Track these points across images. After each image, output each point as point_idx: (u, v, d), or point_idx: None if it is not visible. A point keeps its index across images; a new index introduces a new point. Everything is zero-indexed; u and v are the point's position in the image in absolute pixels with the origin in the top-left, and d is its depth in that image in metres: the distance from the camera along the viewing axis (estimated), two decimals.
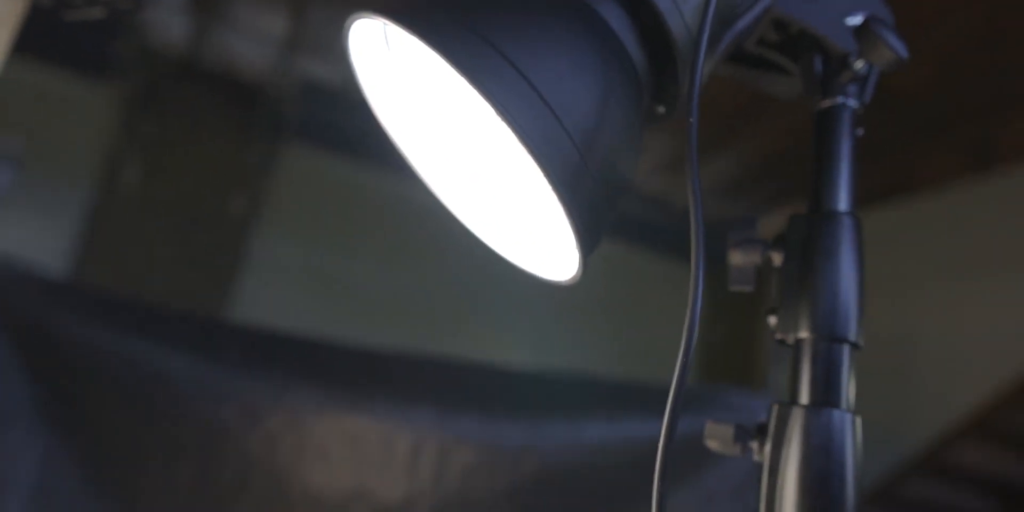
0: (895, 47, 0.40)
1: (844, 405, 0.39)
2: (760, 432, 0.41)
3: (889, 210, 2.32)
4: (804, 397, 0.40)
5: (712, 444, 0.41)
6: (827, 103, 0.44)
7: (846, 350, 0.39)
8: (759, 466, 0.40)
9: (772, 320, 0.42)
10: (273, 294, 1.49)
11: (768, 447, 0.40)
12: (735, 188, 2.29)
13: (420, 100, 0.46)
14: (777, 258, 0.42)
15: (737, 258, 0.43)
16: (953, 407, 1.95)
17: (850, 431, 0.39)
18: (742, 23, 0.41)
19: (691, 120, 0.35)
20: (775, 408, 0.40)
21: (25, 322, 1.14)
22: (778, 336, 0.41)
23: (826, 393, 0.39)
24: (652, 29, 0.39)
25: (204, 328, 1.31)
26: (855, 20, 0.44)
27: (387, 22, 0.35)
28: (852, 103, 0.43)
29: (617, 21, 0.38)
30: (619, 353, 1.62)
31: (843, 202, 0.41)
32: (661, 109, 0.42)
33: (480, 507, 1.22)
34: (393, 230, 1.55)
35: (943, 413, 1.98)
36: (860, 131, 0.43)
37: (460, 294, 1.52)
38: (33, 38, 1.26)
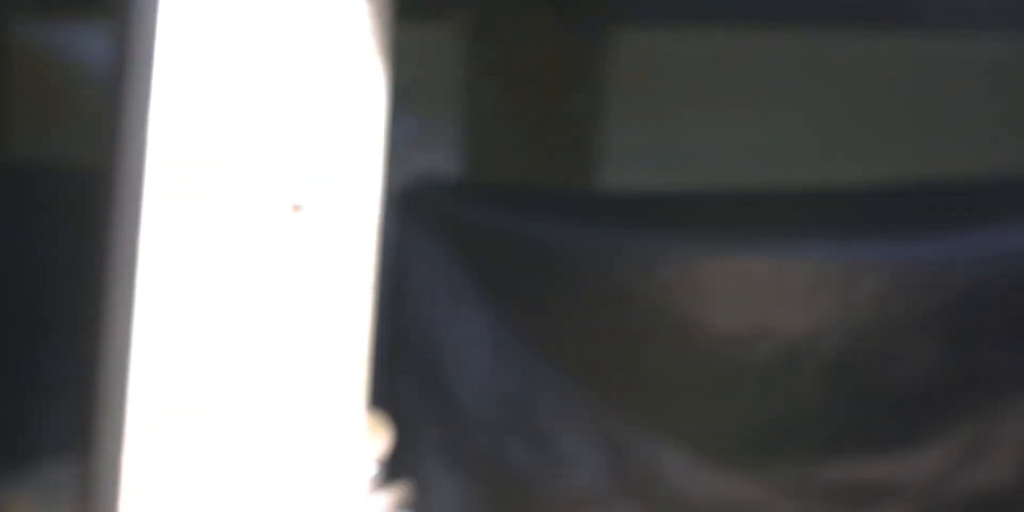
0: None
1: None
2: None
3: None
4: None
5: None
6: None
7: None
8: None
9: None
10: (632, 175, 1.57)
11: None
12: None
13: None
14: None
15: None
16: None
17: None
18: None
19: None
20: None
21: (452, 221, 1.38)
22: None
23: None
24: None
25: (586, 200, 1.44)
26: None
27: None
28: None
29: None
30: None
31: None
32: None
33: (899, 333, 1.16)
34: (728, 85, 1.51)
35: None
36: None
37: (816, 126, 1.43)
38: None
